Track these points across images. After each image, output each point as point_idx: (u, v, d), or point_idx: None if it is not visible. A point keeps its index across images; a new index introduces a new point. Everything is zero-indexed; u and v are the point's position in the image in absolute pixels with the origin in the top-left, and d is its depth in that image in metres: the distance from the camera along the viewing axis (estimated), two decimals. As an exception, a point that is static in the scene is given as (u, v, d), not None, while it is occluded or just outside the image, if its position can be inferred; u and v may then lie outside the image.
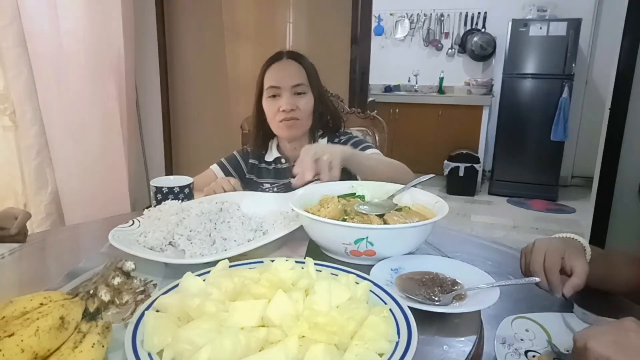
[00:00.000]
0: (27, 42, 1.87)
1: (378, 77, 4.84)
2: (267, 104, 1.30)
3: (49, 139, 2.00)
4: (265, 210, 0.97)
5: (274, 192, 1.32)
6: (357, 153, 1.10)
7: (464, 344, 0.58)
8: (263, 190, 1.33)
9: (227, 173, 1.36)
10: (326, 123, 1.38)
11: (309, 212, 0.83)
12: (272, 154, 1.38)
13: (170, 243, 0.84)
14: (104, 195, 2.11)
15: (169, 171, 2.63)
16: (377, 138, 1.59)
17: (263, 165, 1.40)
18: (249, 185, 1.35)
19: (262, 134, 1.37)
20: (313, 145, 1.09)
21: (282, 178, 1.35)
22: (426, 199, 0.93)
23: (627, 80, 2.22)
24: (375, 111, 1.65)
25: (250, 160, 1.40)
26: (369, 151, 1.29)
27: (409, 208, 0.94)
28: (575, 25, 4.06)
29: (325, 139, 1.39)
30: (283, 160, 1.38)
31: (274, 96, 1.28)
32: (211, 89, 2.53)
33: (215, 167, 1.38)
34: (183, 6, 2.47)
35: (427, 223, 0.79)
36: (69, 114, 2.01)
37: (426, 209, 0.91)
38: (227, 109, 2.53)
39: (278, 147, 1.40)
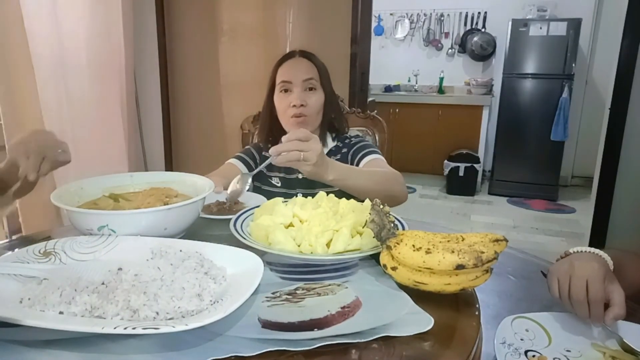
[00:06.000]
0: (29, 43, 1.86)
1: (378, 77, 4.85)
2: (278, 99, 1.33)
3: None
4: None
5: (278, 186, 1.35)
6: (343, 176, 1.03)
7: (463, 344, 0.58)
8: (271, 185, 1.35)
9: (245, 164, 1.36)
10: (331, 123, 1.39)
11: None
12: None
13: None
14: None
15: (169, 170, 2.63)
16: (377, 138, 1.60)
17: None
18: (259, 177, 1.37)
19: (273, 129, 1.38)
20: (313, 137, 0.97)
21: (291, 173, 1.36)
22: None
23: (627, 80, 2.22)
24: (375, 111, 1.65)
25: (264, 153, 1.41)
26: (370, 157, 1.29)
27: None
28: (575, 25, 4.06)
29: (334, 139, 1.40)
30: None
31: (285, 90, 1.30)
32: (211, 88, 2.53)
33: (234, 160, 1.38)
34: (183, 6, 2.47)
35: (160, 209, 0.79)
36: (69, 113, 2.00)
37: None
38: (227, 109, 2.53)
39: None
